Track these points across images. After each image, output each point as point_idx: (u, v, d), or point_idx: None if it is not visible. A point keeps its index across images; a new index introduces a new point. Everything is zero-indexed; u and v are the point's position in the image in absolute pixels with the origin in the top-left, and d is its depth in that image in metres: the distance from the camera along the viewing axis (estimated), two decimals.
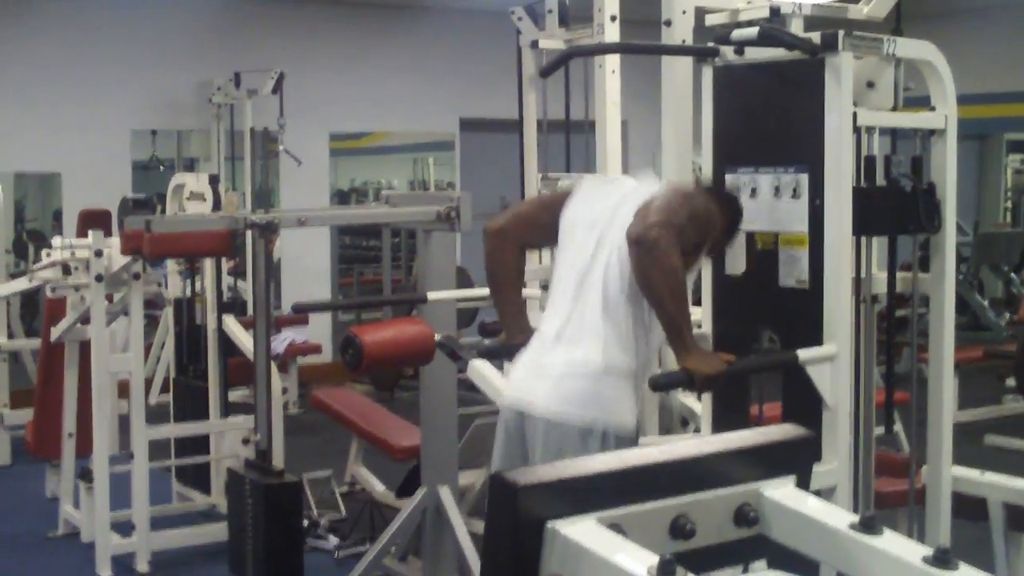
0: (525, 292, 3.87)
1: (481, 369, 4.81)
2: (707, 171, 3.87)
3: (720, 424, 3.84)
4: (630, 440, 3.37)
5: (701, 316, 3.88)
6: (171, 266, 6.48)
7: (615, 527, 1.74)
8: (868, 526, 1.77)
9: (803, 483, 1.94)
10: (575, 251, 3.52)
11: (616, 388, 3.37)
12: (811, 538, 1.84)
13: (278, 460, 5.41)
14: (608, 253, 3.43)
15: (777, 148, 3.67)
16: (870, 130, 3.77)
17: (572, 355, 3.40)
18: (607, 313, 3.40)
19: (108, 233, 5.67)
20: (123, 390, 6.13)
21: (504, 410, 3.54)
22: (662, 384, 3.51)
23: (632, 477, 1.80)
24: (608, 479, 1.78)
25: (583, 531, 1.70)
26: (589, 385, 3.36)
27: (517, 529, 1.71)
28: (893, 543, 1.76)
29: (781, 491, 1.89)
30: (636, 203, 3.40)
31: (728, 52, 3.76)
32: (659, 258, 3.20)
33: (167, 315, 7.30)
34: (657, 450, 1.87)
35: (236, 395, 7.54)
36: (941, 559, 1.69)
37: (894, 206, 3.74)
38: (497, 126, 9.09)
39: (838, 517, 1.82)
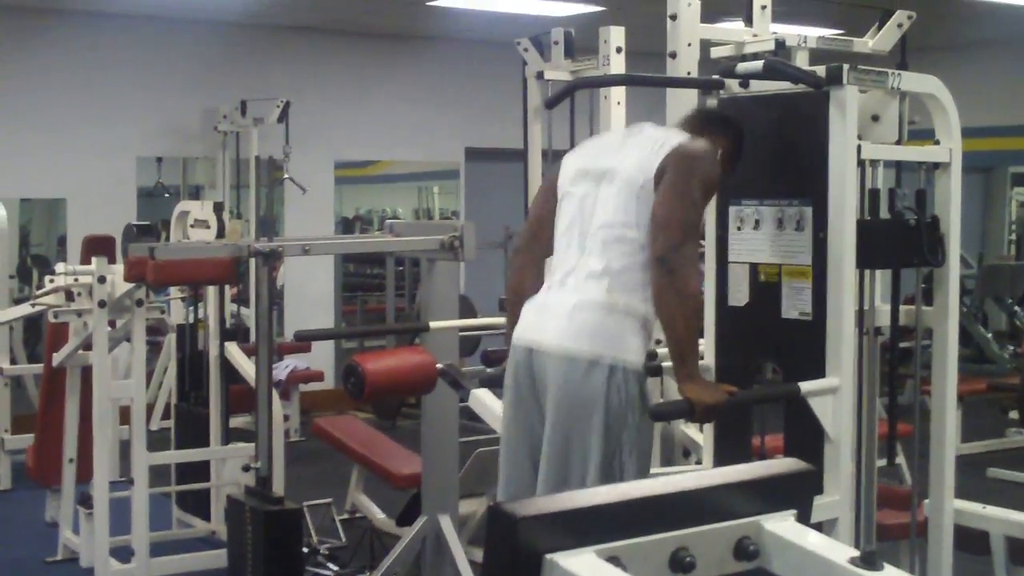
0: None
1: (483, 398, 4.81)
2: (710, 203, 3.87)
3: (722, 455, 3.84)
4: (636, 375, 3.38)
5: (704, 347, 3.88)
6: (174, 293, 6.48)
7: (614, 560, 1.73)
8: (868, 561, 1.76)
9: (804, 517, 1.93)
10: (576, 200, 3.56)
11: (622, 325, 3.39)
12: (811, 573, 1.83)
13: (279, 487, 5.39)
14: (615, 193, 3.46)
15: (781, 181, 3.67)
16: (874, 163, 3.78)
17: (580, 294, 3.43)
18: (614, 252, 3.42)
19: (112, 259, 5.68)
20: (124, 416, 6.11)
21: (513, 350, 3.55)
22: (663, 414, 3.50)
23: (632, 509, 1.79)
24: (608, 511, 1.77)
25: (582, 564, 1.69)
26: (596, 320, 3.39)
27: (516, 561, 1.70)
28: None
29: (782, 525, 1.88)
30: (643, 155, 3.46)
31: (733, 85, 3.77)
32: (679, 283, 3.27)
33: (169, 341, 7.30)
34: (657, 482, 1.87)
35: (237, 422, 7.53)
36: None
37: (898, 239, 3.74)
38: (502, 156, 9.10)
39: (838, 552, 1.81)
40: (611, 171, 3.49)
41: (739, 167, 3.69)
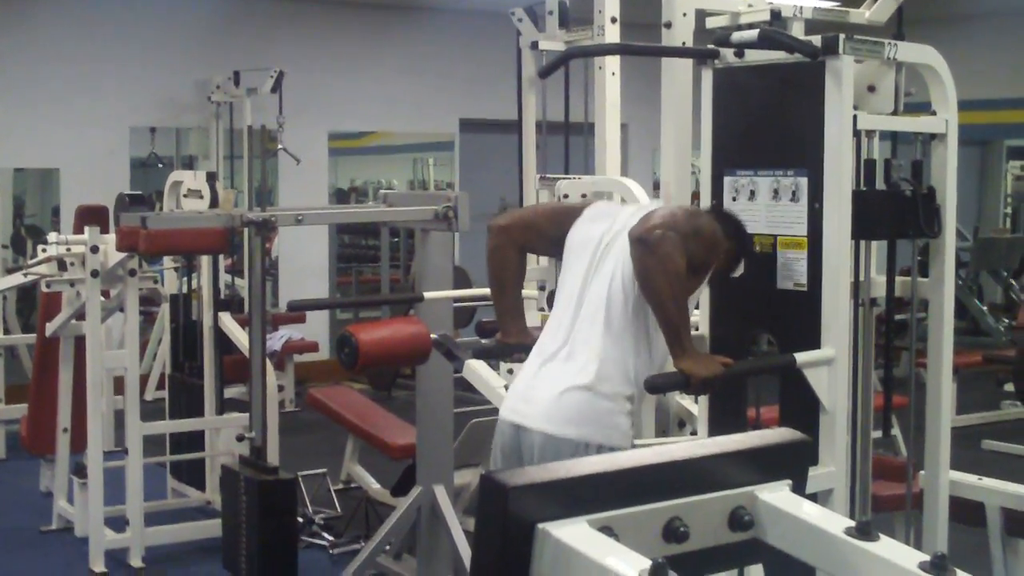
0: (524, 292, 3.86)
1: (477, 369, 4.80)
2: (706, 173, 3.85)
3: (717, 427, 3.83)
4: None
5: (699, 319, 3.87)
6: (168, 263, 6.47)
7: (606, 530, 1.72)
8: (864, 531, 1.75)
9: (799, 487, 1.93)
10: (578, 271, 3.51)
11: (612, 409, 3.36)
12: (806, 543, 1.82)
13: (273, 457, 5.39)
14: (612, 270, 3.42)
15: (776, 151, 3.65)
16: (870, 134, 3.75)
17: (570, 373, 3.39)
18: (608, 333, 3.39)
19: (105, 229, 5.66)
20: (118, 386, 6.11)
21: (501, 423, 3.52)
22: (659, 386, 3.48)
23: (625, 479, 1.78)
24: (600, 481, 1.76)
25: (574, 533, 1.68)
26: (585, 403, 3.35)
27: (507, 530, 1.69)
28: (889, 549, 1.74)
29: (777, 495, 1.88)
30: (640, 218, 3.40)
31: (728, 54, 3.74)
32: (661, 258, 3.19)
33: (163, 312, 7.29)
34: (651, 452, 1.86)
35: (232, 392, 7.53)
36: (938, 565, 1.67)
37: (894, 210, 3.73)
38: (496, 127, 9.09)
39: (834, 522, 1.81)
40: (613, 240, 3.46)
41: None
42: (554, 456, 3.31)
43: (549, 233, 3.66)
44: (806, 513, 1.85)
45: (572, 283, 3.52)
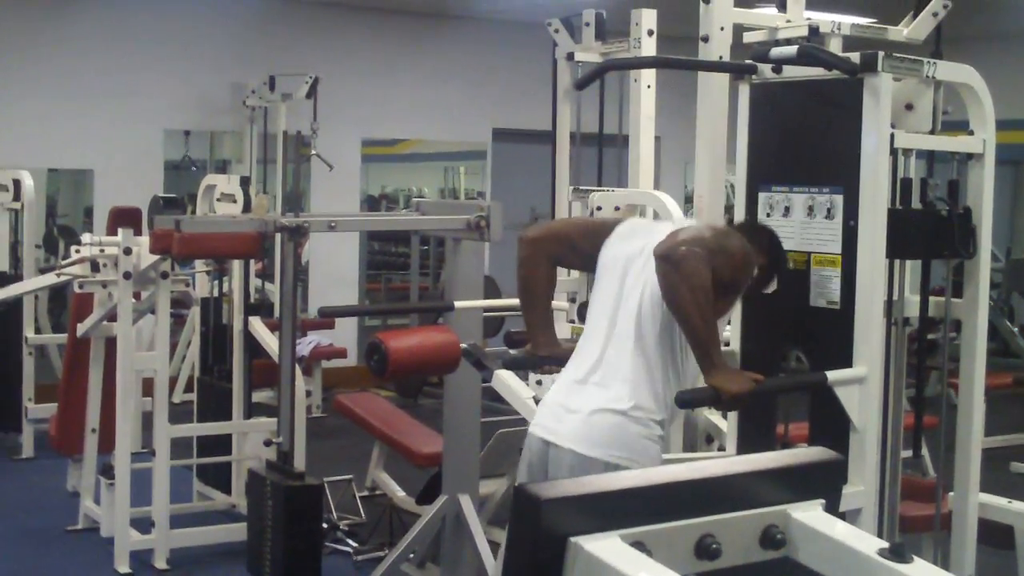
0: (554, 304, 3.85)
1: (506, 379, 4.79)
2: (740, 188, 3.84)
3: (746, 442, 3.82)
4: None
5: (729, 334, 3.86)
6: (199, 266, 6.49)
7: (639, 545, 1.72)
8: (897, 553, 1.74)
9: (832, 507, 1.92)
10: (610, 290, 3.50)
11: (642, 433, 3.35)
12: (839, 563, 1.81)
13: (299, 462, 5.39)
14: (642, 290, 3.41)
15: (812, 167, 3.64)
16: (907, 152, 3.74)
17: (602, 394, 3.38)
18: (639, 353, 3.38)
19: (138, 231, 5.69)
20: (147, 388, 6.13)
21: (530, 438, 3.52)
22: (688, 401, 3.48)
23: (658, 495, 1.78)
24: (633, 496, 1.76)
25: (606, 548, 1.68)
26: (616, 425, 3.34)
27: (539, 543, 1.69)
28: (923, 571, 1.73)
29: (809, 514, 1.87)
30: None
31: (765, 70, 3.74)
32: (687, 274, 3.18)
33: (194, 315, 7.31)
34: (684, 468, 1.85)
35: (260, 396, 7.53)
36: None
37: (929, 230, 3.71)
38: (530, 137, 9.08)
39: (867, 543, 1.80)
40: (646, 259, 3.42)
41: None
42: (583, 475, 3.30)
43: (581, 248, 3.65)
44: (839, 533, 1.84)
45: (604, 302, 3.51)
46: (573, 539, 1.69)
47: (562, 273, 4.40)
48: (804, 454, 1.99)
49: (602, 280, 3.56)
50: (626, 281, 3.47)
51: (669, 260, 3.22)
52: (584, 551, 1.68)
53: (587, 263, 3.67)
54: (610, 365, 3.41)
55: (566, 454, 3.36)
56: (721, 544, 1.78)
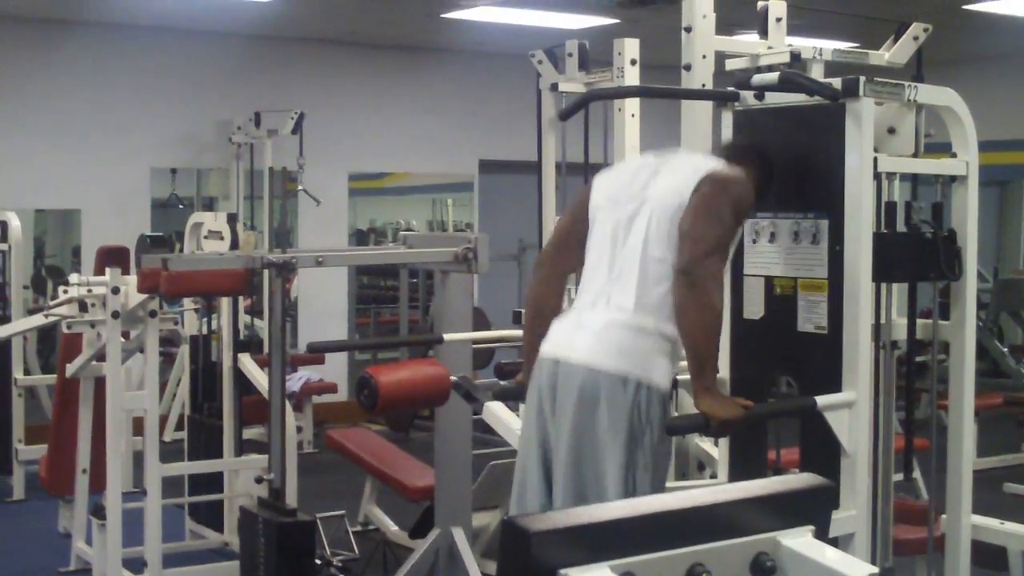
0: None
1: (496, 411, 4.79)
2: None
3: (737, 469, 3.82)
4: (660, 396, 3.38)
5: (719, 360, 3.86)
6: (188, 304, 6.48)
7: None
8: None
9: (822, 532, 1.91)
10: (610, 224, 3.55)
11: (651, 346, 3.38)
12: None
13: (291, 499, 5.38)
14: (647, 218, 3.46)
15: (797, 193, 3.66)
16: (891, 176, 3.75)
17: (611, 312, 3.43)
18: (644, 277, 3.42)
19: (126, 270, 5.68)
20: (138, 427, 6.11)
21: (541, 360, 3.53)
22: (679, 428, 3.48)
23: (647, 524, 1.77)
24: (623, 526, 1.75)
25: None
26: (627, 338, 3.39)
27: None
28: None
29: (799, 540, 1.86)
30: (678, 180, 3.45)
31: (748, 97, 3.75)
32: (701, 295, 3.26)
33: (183, 353, 7.30)
34: (673, 497, 1.85)
35: (251, 433, 7.52)
36: None
37: (914, 252, 3.72)
38: (516, 168, 9.09)
39: (857, 568, 1.80)
40: (645, 196, 3.48)
41: (767, 194, 3.67)
42: (592, 390, 3.34)
43: (580, 232, 3.68)
44: (829, 559, 1.84)
45: (602, 238, 3.56)
46: (563, 571, 1.68)
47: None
48: (793, 480, 1.99)
49: (600, 216, 3.60)
50: (628, 210, 3.51)
51: (689, 276, 3.29)
52: None
53: None
54: (616, 288, 3.46)
55: (578, 368, 3.39)
56: (711, 573, 1.78)
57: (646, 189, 3.49)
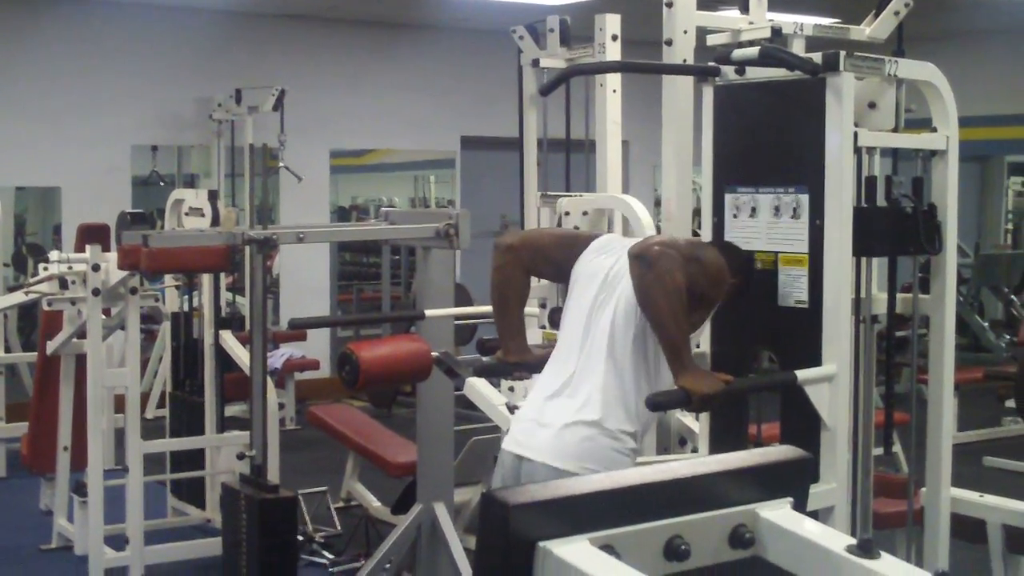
0: (526, 310, 3.85)
1: (478, 387, 4.79)
2: (707, 190, 3.86)
3: (718, 444, 3.82)
4: None
5: (699, 336, 3.86)
6: (169, 281, 6.47)
7: (608, 548, 1.71)
8: (865, 549, 1.74)
9: (800, 505, 1.92)
10: (584, 304, 3.50)
11: (614, 445, 3.35)
12: (807, 561, 1.82)
13: (273, 475, 5.37)
14: (615, 302, 3.42)
15: (777, 168, 3.65)
16: (871, 151, 3.75)
17: (574, 408, 3.38)
18: (612, 367, 3.38)
19: (107, 247, 5.66)
20: (119, 404, 6.10)
21: (503, 454, 3.52)
22: (660, 403, 3.48)
23: (626, 497, 1.77)
24: (602, 499, 1.76)
25: (575, 552, 1.68)
26: (588, 439, 3.34)
27: (508, 548, 1.69)
28: (891, 567, 1.74)
29: (778, 513, 1.87)
30: None
31: (729, 72, 3.75)
32: (660, 273, 3.19)
33: (164, 330, 7.29)
34: (652, 469, 1.85)
35: (232, 410, 7.51)
36: None
37: (895, 227, 3.73)
38: (498, 144, 9.09)
39: (835, 540, 1.80)
40: (619, 272, 3.45)
41: (738, 180, 3.64)
42: None
43: (556, 259, 3.65)
44: (807, 531, 1.84)
45: (577, 315, 3.51)
46: (542, 544, 1.68)
47: (533, 279, 4.41)
48: (772, 453, 1.99)
49: (575, 293, 3.56)
50: (601, 295, 3.47)
51: (643, 259, 3.23)
52: (553, 555, 1.67)
53: (560, 274, 3.67)
54: (582, 379, 3.42)
55: (539, 468, 3.35)
56: (690, 545, 1.78)
57: (622, 270, 3.41)
